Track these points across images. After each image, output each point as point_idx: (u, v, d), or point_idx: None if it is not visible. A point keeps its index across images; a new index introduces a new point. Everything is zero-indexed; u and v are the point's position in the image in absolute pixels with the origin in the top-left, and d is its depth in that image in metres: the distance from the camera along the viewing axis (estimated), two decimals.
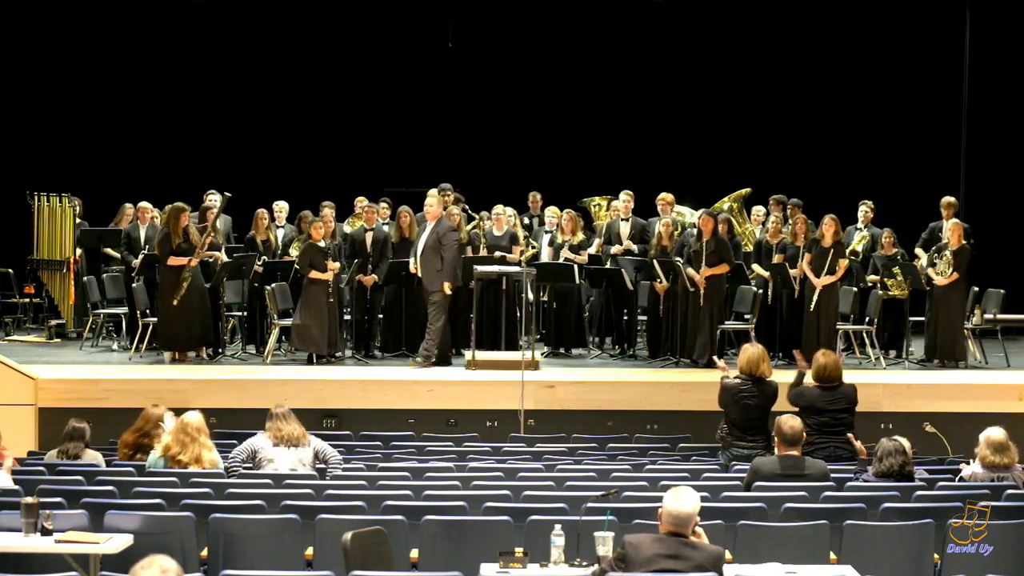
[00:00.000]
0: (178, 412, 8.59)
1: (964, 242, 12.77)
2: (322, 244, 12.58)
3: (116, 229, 14.43)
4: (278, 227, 13.66)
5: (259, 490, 7.70)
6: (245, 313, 13.40)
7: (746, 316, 13.02)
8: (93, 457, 8.64)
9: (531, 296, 12.77)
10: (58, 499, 7.17)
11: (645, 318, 13.55)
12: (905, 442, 8.11)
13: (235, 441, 9.10)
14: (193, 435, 8.25)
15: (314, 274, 12.41)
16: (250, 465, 8.50)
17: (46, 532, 6.58)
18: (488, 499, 7.48)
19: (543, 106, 17.63)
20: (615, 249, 13.59)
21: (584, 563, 6.17)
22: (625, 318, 13.67)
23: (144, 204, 14.10)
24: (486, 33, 17.68)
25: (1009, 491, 7.73)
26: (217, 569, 6.68)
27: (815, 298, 12.43)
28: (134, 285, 13.33)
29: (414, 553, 6.99)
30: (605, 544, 6.00)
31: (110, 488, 7.61)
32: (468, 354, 12.31)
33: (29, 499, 6.65)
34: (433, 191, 12.78)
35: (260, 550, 6.95)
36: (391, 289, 13.13)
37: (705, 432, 10.32)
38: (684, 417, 11.20)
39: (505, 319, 12.77)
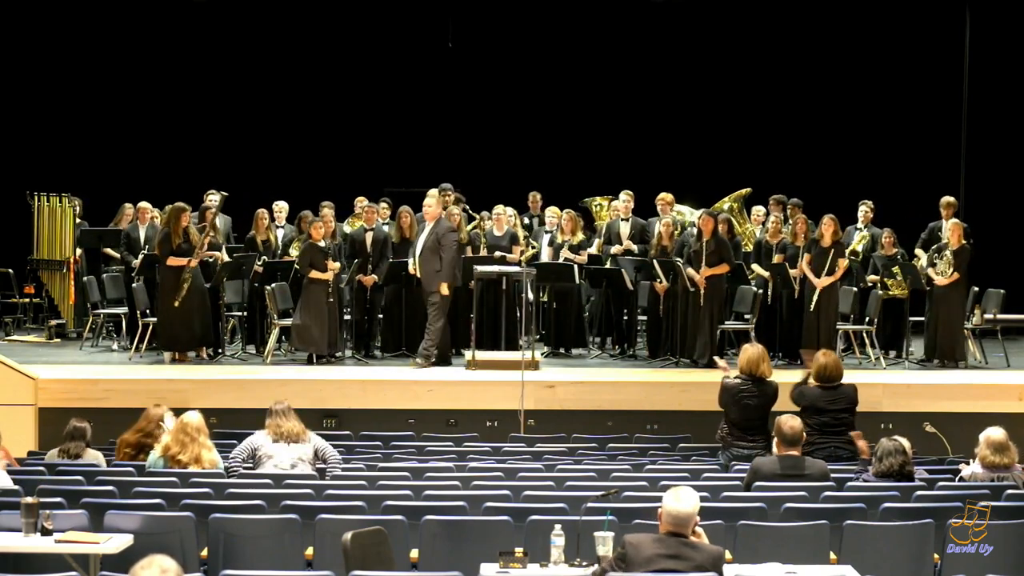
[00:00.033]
0: (178, 412, 8.60)
1: (964, 242, 12.77)
2: (322, 244, 12.58)
3: (116, 229, 14.43)
4: (278, 227, 13.66)
5: (259, 490, 7.70)
6: (245, 313, 13.40)
7: (746, 316, 13.02)
8: (94, 457, 8.64)
9: (531, 296, 12.77)
10: (58, 499, 7.17)
11: (645, 318, 13.55)
12: (905, 442, 8.11)
13: (235, 441, 9.08)
14: (193, 435, 8.25)
15: (314, 274, 12.41)
16: (250, 464, 8.49)
17: (46, 532, 6.57)
18: (488, 499, 7.48)
19: (543, 106, 17.63)
20: (615, 249, 13.58)
21: (584, 563, 6.17)
22: (625, 318, 13.67)
23: (144, 204, 14.10)
24: (486, 33, 17.67)
25: (1009, 491, 7.72)
26: (217, 569, 6.68)
27: (815, 298, 12.43)
28: (134, 285, 13.33)
29: (414, 553, 6.99)
30: (605, 544, 5.99)
31: (110, 488, 7.61)
32: (468, 354, 12.31)
33: (29, 499, 6.64)
34: (433, 191, 12.76)
35: (260, 550, 6.95)
36: (391, 289, 13.13)
37: (705, 432, 10.32)
38: (684, 417, 11.20)
39: (505, 319, 12.77)
